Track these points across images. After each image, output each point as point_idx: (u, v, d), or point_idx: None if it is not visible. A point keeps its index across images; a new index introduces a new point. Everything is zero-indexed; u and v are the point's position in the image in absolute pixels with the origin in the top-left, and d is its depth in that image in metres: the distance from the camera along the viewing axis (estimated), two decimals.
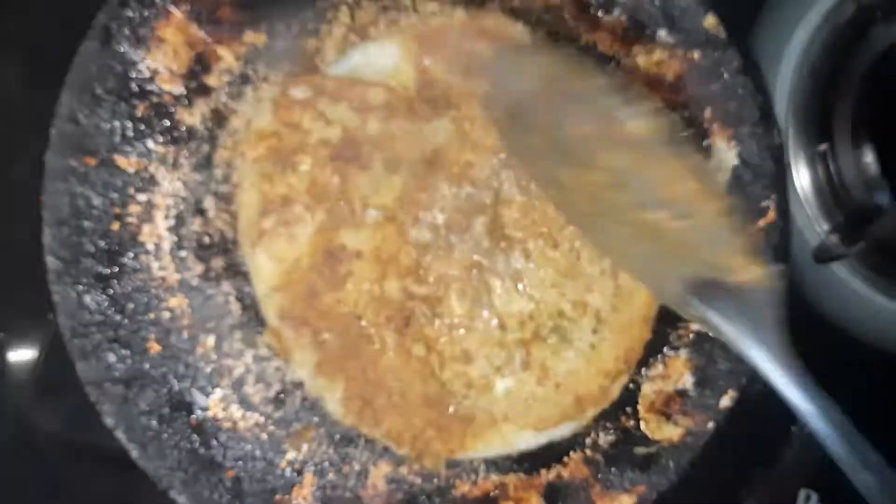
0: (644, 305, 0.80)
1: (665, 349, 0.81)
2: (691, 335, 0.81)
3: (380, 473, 0.79)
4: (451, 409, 0.77)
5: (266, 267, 0.77)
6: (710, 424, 0.79)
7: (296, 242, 0.76)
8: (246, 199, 0.77)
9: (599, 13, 0.81)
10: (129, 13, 0.74)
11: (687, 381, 0.80)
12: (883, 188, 0.88)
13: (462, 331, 0.77)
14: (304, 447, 0.78)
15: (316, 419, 0.79)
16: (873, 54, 0.89)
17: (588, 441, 0.80)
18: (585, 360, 0.78)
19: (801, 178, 0.90)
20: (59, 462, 0.91)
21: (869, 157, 0.88)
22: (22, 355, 0.97)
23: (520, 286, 0.78)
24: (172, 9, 0.75)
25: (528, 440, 0.79)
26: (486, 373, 0.77)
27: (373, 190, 0.77)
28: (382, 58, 0.79)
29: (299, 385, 0.79)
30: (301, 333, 0.76)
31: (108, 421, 0.73)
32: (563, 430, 0.79)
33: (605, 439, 0.80)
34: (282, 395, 0.79)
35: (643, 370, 0.81)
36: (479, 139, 0.78)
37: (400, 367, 0.77)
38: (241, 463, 0.76)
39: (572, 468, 0.79)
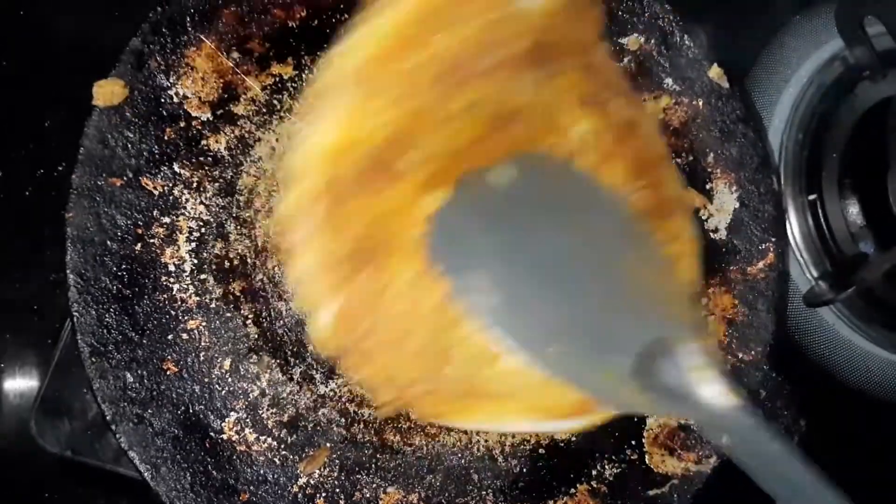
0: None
1: None
2: None
3: (390, 500, 0.79)
4: (449, 370, 0.69)
5: (321, 135, 0.67)
6: (713, 459, 0.81)
7: (363, 125, 0.68)
8: (358, 44, 0.69)
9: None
10: (162, 40, 0.76)
11: None
12: (867, 238, 0.93)
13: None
14: (316, 473, 0.78)
15: (328, 445, 0.79)
16: (859, 111, 0.94)
17: (594, 473, 0.81)
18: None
19: (792, 225, 0.94)
20: (64, 485, 0.91)
21: (854, 208, 0.93)
22: (21, 382, 0.96)
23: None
24: (203, 38, 0.77)
25: (521, 425, 0.75)
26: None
27: (446, 123, 0.69)
28: None
29: (312, 410, 0.79)
30: (318, 227, 0.67)
31: (123, 441, 0.72)
32: (562, 425, 0.76)
33: (609, 470, 0.82)
34: (296, 420, 0.79)
35: None
36: (553, 115, 0.74)
37: (409, 308, 0.68)
38: (253, 487, 0.76)
39: (579, 498, 0.80)
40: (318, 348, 0.75)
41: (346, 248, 0.68)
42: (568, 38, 0.76)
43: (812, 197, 0.95)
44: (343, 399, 0.80)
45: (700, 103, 0.84)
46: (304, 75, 0.81)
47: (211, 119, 0.79)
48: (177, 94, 0.77)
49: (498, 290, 0.67)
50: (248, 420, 0.78)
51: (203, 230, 0.79)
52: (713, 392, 0.64)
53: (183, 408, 0.76)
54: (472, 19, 0.70)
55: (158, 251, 0.77)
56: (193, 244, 0.78)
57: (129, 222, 0.75)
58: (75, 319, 0.72)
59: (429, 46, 0.70)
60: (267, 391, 0.79)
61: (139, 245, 0.76)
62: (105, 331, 0.73)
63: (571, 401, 0.72)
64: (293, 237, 0.67)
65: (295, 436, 0.79)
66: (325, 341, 0.67)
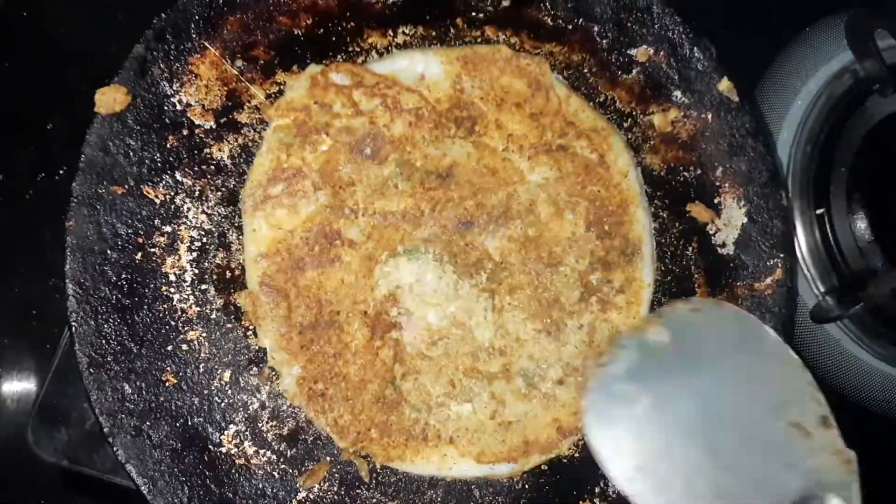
0: None
1: None
2: None
3: None
4: (400, 418, 0.77)
5: (261, 232, 0.77)
6: None
7: (295, 215, 0.77)
8: (260, 162, 0.78)
9: (618, 72, 0.84)
10: (166, 47, 0.75)
11: None
12: (875, 253, 0.91)
13: (434, 349, 0.78)
14: (316, 488, 0.77)
15: (329, 459, 0.78)
16: (869, 125, 0.93)
17: (597, 490, 0.80)
18: (544, 408, 0.79)
19: (799, 239, 0.92)
20: (61, 494, 0.90)
21: (862, 223, 0.92)
22: (19, 387, 0.95)
23: (501, 321, 0.79)
24: (208, 45, 0.76)
25: (465, 469, 0.79)
26: (446, 394, 0.78)
27: (381, 187, 0.78)
28: (425, 67, 0.81)
29: (313, 422, 0.78)
30: (276, 304, 0.76)
31: (121, 454, 0.71)
32: (502, 469, 0.79)
33: (613, 489, 0.80)
34: (296, 434, 0.78)
35: None
36: (495, 169, 0.80)
37: (362, 364, 0.77)
38: (252, 501, 0.75)
39: None
40: (288, 399, 0.78)
41: (307, 318, 0.77)
42: (495, 93, 0.79)
43: (820, 211, 0.93)
44: None
45: (709, 116, 0.83)
46: None
47: (214, 127, 0.78)
48: (180, 101, 0.76)
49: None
50: (247, 433, 0.77)
51: (205, 239, 0.78)
52: None
53: (182, 420, 0.75)
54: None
55: (159, 261, 0.76)
56: (195, 254, 0.77)
57: (129, 231, 0.75)
58: (74, 329, 0.71)
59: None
60: (267, 403, 0.78)
61: (140, 254, 0.75)
62: (104, 341, 0.73)
63: (509, 446, 0.78)
64: (260, 310, 0.76)
65: (295, 449, 0.78)
66: (292, 396, 0.77)
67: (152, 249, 0.76)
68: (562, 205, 0.81)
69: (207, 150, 0.78)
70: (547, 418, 0.79)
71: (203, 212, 0.78)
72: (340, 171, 0.78)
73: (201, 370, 0.76)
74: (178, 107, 0.76)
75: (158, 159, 0.76)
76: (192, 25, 0.75)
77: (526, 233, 0.80)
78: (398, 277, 0.78)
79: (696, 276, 0.84)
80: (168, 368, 0.75)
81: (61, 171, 0.98)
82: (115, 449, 0.71)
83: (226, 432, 0.76)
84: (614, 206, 0.82)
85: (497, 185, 0.80)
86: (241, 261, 0.78)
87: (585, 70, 0.85)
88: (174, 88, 0.76)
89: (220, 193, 0.78)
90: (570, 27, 0.83)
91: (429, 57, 0.81)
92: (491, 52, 0.81)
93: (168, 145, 0.76)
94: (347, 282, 0.77)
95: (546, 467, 0.81)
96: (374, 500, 0.78)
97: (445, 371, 0.78)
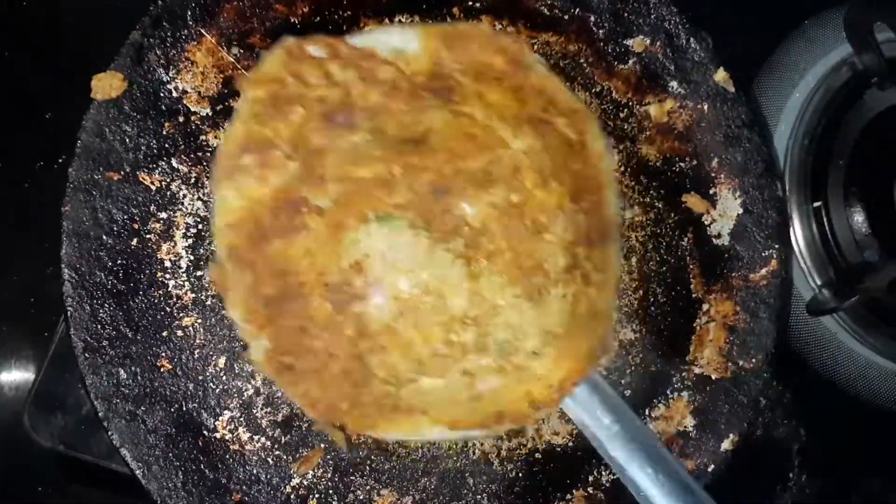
0: (590, 342, 0.77)
1: (668, 390, 0.82)
2: (694, 377, 0.82)
3: (384, 503, 0.78)
4: (370, 391, 0.74)
5: (231, 202, 0.73)
6: (711, 467, 0.80)
7: (265, 185, 0.73)
8: (233, 133, 0.74)
9: (615, 62, 0.84)
10: (162, 33, 0.75)
11: (688, 423, 0.81)
12: (872, 246, 0.91)
13: (401, 323, 0.74)
14: (310, 474, 0.78)
15: (323, 446, 0.78)
16: (867, 119, 0.93)
17: (591, 479, 0.81)
18: (517, 381, 0.76)
19: (796, 232, 0.93)
20: (57, 480, 0.90)
21: (860, 216, 0.92)
22: (16, 375, 0.96)
23: (476, 287, 0.75)
24: (204, 32, 0.76)
25: (440, 433, 0.75)
26: (415, 370, 0.74)
27: (352, 155, 0.75)
28: (402, 40, 0.78)
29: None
30: (244, 273, 0.72)
31: (115, 438, 0.71)
32: (478, 433, 0.77)
33: (606, 477, 0.81)
34: (290, 420, 0.78)
35: (647, 410, 0.82)
36: (475, 135, 0.77)
37: (328, 338, 0.73)
38: (246, 487, 0.75)
39: None
40: (258, 371, 0.76)
41: (273, 290, 0.73)
42: (474, 68, 0.77)
43: (817, 204, 0.94)
44: None
45: (705, 107, 0.83)
46: None
47: (210, 114, 0.78)
48: (176, 88, 0.77)
49: None
50: (241, 419, 0.77)
51: (200, 226, 0.78)
52: None
53: (176, 405, 0.75)
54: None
55: (154, 247, 0.76)
56: (190, 240, 0.78)
57: (125, 217, 0.75)
58: (69, 314, 0.72)
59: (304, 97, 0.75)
60: (261, 390, 0.78)
61: (135, 240, 0.75)
62: (99, 326, 0.73)
63: (482, 415, 0.75)
64: (227, 281, 0.72)
65: (289, 435, 0.78)
66: (261, 367, 0.73)
67: (148, 236, 0.76)
68: (547, 173, 0.77)
69: (203, 137, 0.78)
70: (520, 391, 0.76)
71: (199, 198, 0.78)
72: (312, 141, 0.75)
73: (196, 356, 0.77)
74: (175, 94, 0.76)
75: (154, 146, 0.76)
76: (189, 12, 0.76)
77: (509, 198, 0.76)
78: (368, 245, 0.74)
79: (691, 266, 0.84)
80: (163, 354, 0.75)
81: (60, 160, 0.98)
82: (109, 433, 0.72)
83: (220, 418, 0.76)
84: (594, 186, 0.79)
85: (477, 150, 0.76)
86: None
87: (582, 60, 0.85)
88: (170, 75, 0.76)
89: None
90: (566, 17, 0.83)
91: (406, 30, 0.78)
92: (470, 28, 0.79)
93: (164, 132, 0.76)
94: (314, 251, 0.73)
95: (540, 455, 0.81)
96: (368, 487, 0.79)
97: (414, 345, 0.74)
